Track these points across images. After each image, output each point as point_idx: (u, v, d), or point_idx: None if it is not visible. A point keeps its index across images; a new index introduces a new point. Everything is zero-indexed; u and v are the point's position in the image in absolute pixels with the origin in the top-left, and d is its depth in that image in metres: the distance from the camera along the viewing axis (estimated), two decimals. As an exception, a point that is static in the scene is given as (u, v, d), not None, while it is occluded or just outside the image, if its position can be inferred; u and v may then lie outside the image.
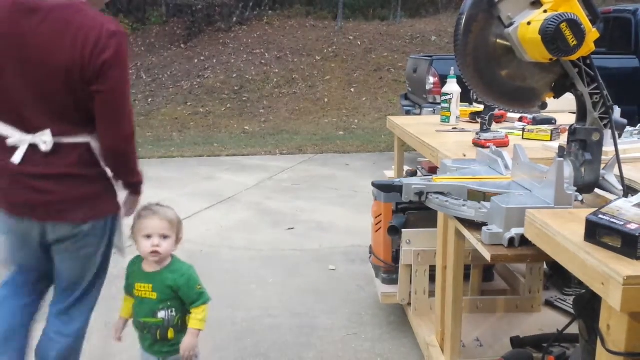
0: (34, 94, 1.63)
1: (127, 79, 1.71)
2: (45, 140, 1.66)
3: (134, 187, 1.98)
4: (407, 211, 2.63)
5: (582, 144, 1.64)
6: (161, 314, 1.86)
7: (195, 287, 1.86)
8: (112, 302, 3.10)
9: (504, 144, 2.38)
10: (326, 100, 10.07)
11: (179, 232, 1.86)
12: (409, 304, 2.58)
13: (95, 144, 1.74)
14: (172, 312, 1.85)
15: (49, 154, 1.68)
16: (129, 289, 1.97)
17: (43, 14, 1.58)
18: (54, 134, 1.66)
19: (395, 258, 2.65)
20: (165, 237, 1.81)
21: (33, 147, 1.67)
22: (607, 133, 1.69)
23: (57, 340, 1.92)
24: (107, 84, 1.62)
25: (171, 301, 1.85)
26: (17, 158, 1.67)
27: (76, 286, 1.93)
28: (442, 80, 4.65)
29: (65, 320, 1.94)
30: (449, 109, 2.95)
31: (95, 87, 1.61)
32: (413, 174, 2.78)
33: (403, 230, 2.50)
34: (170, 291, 1.84)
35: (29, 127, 1.66)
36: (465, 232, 1.72)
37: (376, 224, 2.68)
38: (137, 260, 1.93)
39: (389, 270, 2.70)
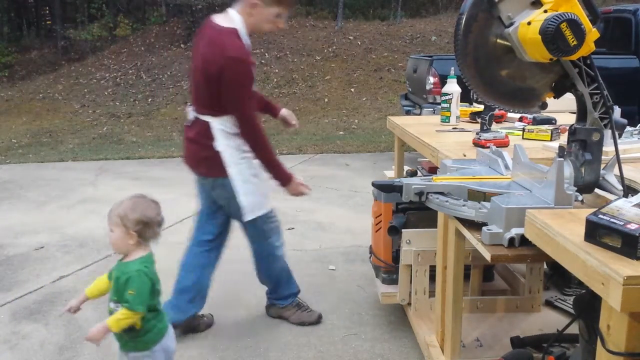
0: (195, 84, 2.45)
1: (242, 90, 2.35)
2: (190, 114, 2.49)
3: (271, 175, 2.51)
4: (407, 211, 2.63)
5: (582, 144, 1.64)
6: (111, 305, 1.85)
7: (129, 290, 1.78)
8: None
9: (504, 144, 2.38)
10: (326, 100, 10.07)
11: (127, 227, 1.80)
12: (409, 304, 2.58)
13: (214, 124, 2.39)
14: (117, 307, 1.83)
15: (191, 125, 2.49)
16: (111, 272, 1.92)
17: (205, 36, 2.41)
18: (195, 111, 2.46)
19: (395, 258, 2.65)
20: (110, 229, 1.83)
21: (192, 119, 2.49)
22: (607, 133, 1.69)
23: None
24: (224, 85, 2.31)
25: (117, 295, 1.83)
26: (186, 123, 2.56)
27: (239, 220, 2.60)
28: (442, 80, 4.65)
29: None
30: (449, 109, 2.95)
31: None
32: (413, 174, 2.78)
33: (403, 230, 2.50)
34: (117, 284, 1.83)
35: (193, 105, 2.50)
36: (465, 232, 1.72)
37: (376, 224, 2.69)
38: None
39: (389, 270, 2.70)
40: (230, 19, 2.34)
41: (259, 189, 2.52)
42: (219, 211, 2.63)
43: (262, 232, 2.64)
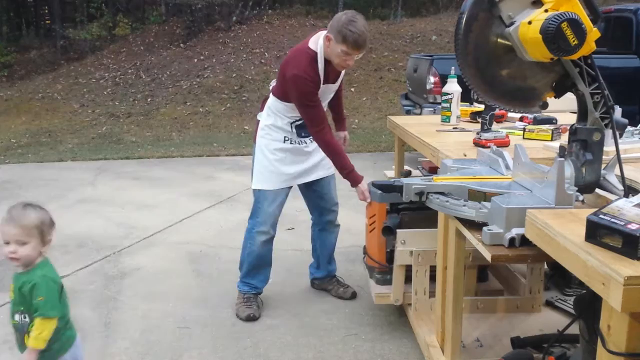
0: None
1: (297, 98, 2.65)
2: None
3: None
4: (401, 211, 2.62)
5: (583, 144, 1.64)
6: (16, 317, 1.77)
7: (38, 297, 1.71)
8: (112, 302, 3.10)
9: (505, 144, 2.38)
10: (326, 99, 10.06)
11: (44, 235, 1.76)
12: (409, 304, 2.57)
13: (269, 101, 2.82)
14: (25, 317, 1.75)
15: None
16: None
17: (296, 46, 2.75)
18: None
19: (389, 258, 2.64)
20: (22, 243, 1.72)
21: None
22: (608, 133, 1.69)
23: None
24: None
25: (24, 306, 1.75)
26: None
27: None
28: (443, 80, 4.65)
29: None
30: (449, 109, 2.95)
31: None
32: (407, 173, 2.78)
33: (398, 230, 2.50)
34: (22, 295, 1.74)
35: None
36: (466, 232, 1.72)
37: (370, 224, 2.68)
38: None
39: (383, 270, 2.69)
40: (316, 42, 2.62)
41: (272, 166, 2.78)
42: None
43: (255, 206, 2.86)
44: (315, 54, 2.59)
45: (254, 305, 2.89)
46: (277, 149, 2.79)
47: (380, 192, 2.56)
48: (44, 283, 1.73)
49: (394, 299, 2.60)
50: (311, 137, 2.77)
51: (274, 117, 2.78)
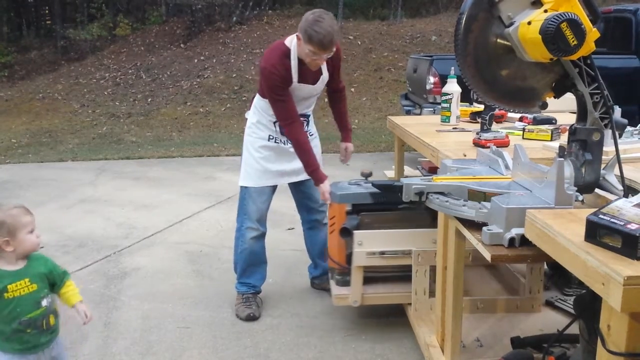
0: None
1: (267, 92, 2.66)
2: None
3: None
4: (360, 212, 2.61)
5: (583, 144, 1.64)
6: (44, 302, 1.89)
7: (58, 269, 1.97)
8: (112, 302, 3.10)
9: (505, 144, 2.38)
10: (326, 100, 10.05)
11: None
12: (409, 304, 2.57)
13: (255, 99, 2.87)
14: (49, 298, 1.92)
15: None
16: None
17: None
18: None
19: (350, 260, 2.63)
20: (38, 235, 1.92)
21: None
22: (608, 133, 1.69)
23: None
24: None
25: (47, 288, 1.92)
26: None
27: None
28: (443, 80, 4.65)
29: None
30: (449, 109, 2.95)
31: None
32: (369, 174, 2.78)
33: (355, 231, 2.49)
34: (45, 278, 1.91)
35: None
36: (466, 232, 1.72)
37: (330, 226, 2.66)
38: None
39: (343, 272, 2.67)
40: (292, 40, 2.63)
41: (258, 164, 2.83)
42: None
43: (240, 203, 2.89)
44: (289, 50, 2.60)
45: (254, 304, 2.89)
46: (262, 147, 2.82)
47: (340, 193, 2.58)
48: (46, 257, 1.98)
49: (352, 300, 2.60)
50: None
51: (259, 114, 2.82)
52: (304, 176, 2.86)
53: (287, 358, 2.51)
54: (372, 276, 2.63)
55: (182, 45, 12.55)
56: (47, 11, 17.89)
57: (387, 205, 2.57)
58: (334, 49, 2.56)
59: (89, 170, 6.42)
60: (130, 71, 11.80)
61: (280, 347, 2.59)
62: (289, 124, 2.68)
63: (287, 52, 2.61)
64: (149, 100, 10.40)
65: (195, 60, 11.61)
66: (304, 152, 2.70)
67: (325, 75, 2.75)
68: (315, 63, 2.59)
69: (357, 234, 2.48)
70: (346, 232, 2.50)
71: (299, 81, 2.65)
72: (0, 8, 16.03)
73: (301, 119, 2.77)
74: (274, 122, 2.79)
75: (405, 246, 2.47)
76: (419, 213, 2.57)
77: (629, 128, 2.23)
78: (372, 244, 2.47)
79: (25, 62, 14.26)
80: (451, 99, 2.94)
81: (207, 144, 7.77)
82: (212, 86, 10.53)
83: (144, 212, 4.70)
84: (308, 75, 2.66)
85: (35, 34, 16.96)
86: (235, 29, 12.72)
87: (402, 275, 2.62)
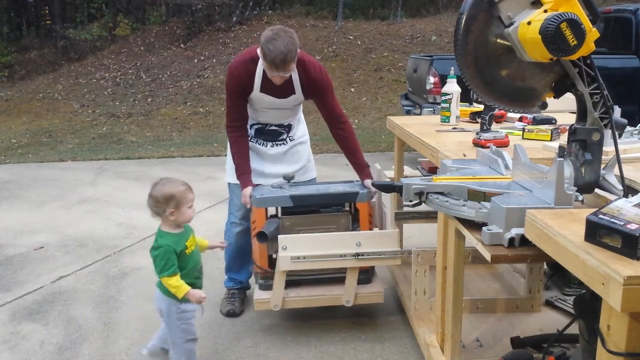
0: None
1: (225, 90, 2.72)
2: None
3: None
4: (279, 216, 2.61)
5: (583, 144, 1.64)
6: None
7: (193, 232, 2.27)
8: (111, 302, 3.11)
9: (504, 144, 2.37)
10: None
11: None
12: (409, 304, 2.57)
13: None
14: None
15: None
16: (182, 260, 2.13)
17: None
18: None
19: (272, 264, 2.63)
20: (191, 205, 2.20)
21: None
22: (608, 133, 1.69)
23: None
24: None
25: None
26: None
27: None
28: (442, 80, 4.65)
29: None
30: (449, 109, 2.95)
31: None
32: (291, 177, 2.80)
33: (279, 236, 2.48)
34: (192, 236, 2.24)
35: None
36: (465, 232, 1.72)
37: (253, 230, 2.65)
38: (163, 238, 2.15)
39: (266, 276, 2.66)
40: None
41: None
42: None
43: (229, 199, 2.93)
44: (258, 58, 2.56)
45: (237, 301, 2.94)
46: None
47: (258, 197, 2.57)
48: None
49: (273, 304, 2.60)
50: (272, 143, 2.83)
51: None
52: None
53: (287, 358, 2.51)
54: (294, 280, 2.64)
55: (182, 45, 12.56)
56: (47, 11, 17.89)
57: (311, 207, 2.63)
58: (289, 69, 2.46)
59: (89, 170, 6.42)
60: (130, 71, 11.81)
61: (280, 347, 2.59)
62: (228, 125, 2.73)
63: (255, 59, 2.57)
64: (149, 100, 10.41)
65: (195, 60, 11.62)
66: (234, 154, 2.73)
67: (298, 95, 2.68)
68: (274, 79, 2.54)
69: (282, 238, 2.48)
70: (263, 237, 2.51)
71: (261, 90, 2.62)
72: (0, 8, 16.03)
73: (275, 128, 2.81)
74: (251, 126, 2.81)
75: (329, 250, 2.47)
76: (339, 215, 2.64)
77: (628, 128, 2.23)
78: (296, 248, 2.47)
79: (25, 62, 14.27)
80: (451, 99, 2.94)
81: (207, 144, 7.78)
82: (212, 86, 10.53)
83: (144, 212, 4.66)
84: (273, 87, 2.60)
85: (35, 34, 16.97)
86: (235, 29, 12.73)
87: (323, 278, 2.66)
